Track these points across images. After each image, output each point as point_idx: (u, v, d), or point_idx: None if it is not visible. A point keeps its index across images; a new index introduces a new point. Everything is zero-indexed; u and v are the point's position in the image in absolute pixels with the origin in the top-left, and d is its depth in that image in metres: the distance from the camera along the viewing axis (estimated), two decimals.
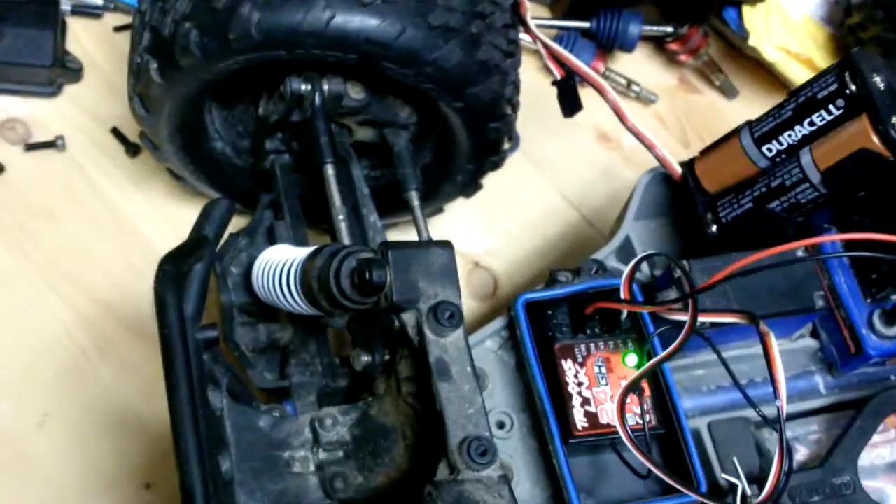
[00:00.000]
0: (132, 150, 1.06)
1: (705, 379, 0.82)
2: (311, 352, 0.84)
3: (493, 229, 1.11)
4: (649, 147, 0.82)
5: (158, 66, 0.81)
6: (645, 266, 0.85)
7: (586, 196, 1.13)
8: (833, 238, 0.69)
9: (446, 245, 0.69)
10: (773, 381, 0.65)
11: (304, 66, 0.84)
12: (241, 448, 0.70)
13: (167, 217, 1.05)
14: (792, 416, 0.81)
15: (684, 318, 0.71)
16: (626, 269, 0.72)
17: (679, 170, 0.84)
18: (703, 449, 0.76)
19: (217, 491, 0.64)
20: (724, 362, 0.69)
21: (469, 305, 1.05)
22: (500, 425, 0.77)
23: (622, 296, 0.73)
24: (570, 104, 0.91)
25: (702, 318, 0.73)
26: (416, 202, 0.89)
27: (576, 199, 1.13)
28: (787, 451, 0.64)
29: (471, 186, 0.98)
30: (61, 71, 1.07)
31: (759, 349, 0.74)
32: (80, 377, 0.96)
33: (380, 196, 0.91)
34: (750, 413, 0.79)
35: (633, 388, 0.74)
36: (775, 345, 0.66)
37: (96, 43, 1.11)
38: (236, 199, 0.84)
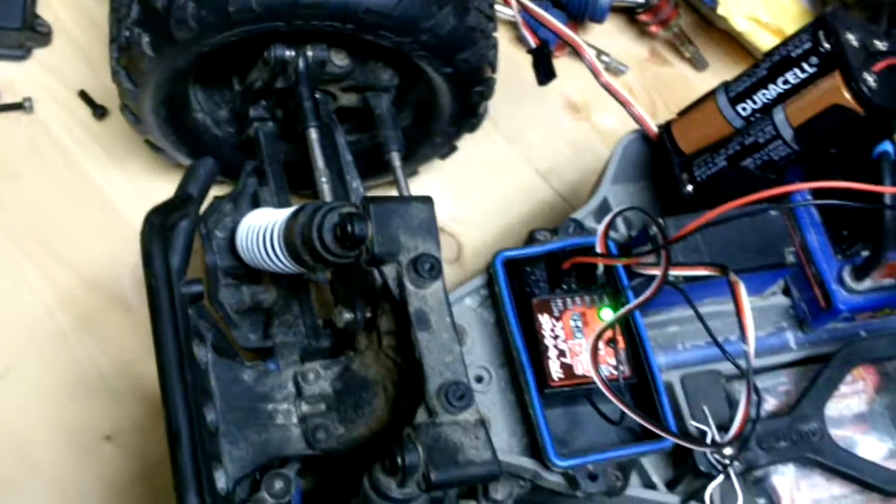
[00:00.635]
0: (99, 112, 1.08)
1: (679, 336, 0.84)
2: (294, 313, 0.85)
3: (459, 196, 1.12)
4: (624, 104, 0.84)
5: (151, 39, 0.82)
6: (622, 227, 0.87)
7: (554, 165, 1.15)
8: (802, 186, 0.71)
9: (426, 200, 0.71)
10: (741, 327, 0.67)
11: (292, 35, 0.86)
12: (225, 400, 0.72)
13: (132, 177, 1.07)
14: (763, 370, 0.83)
15: (657, 271, 0.73)
16: (602, 223, 0.74)
17: (655, 128, 0.86)
18: (675, 400, 0.78)
19: (202, 439, 0.65)
20: (695, 310, 0.71)
21: None
22: (479, 379, 0.79)
23: (598, 250, 0.74)
24: (544, 72, 0.93)
25: (675, 272, 0.75)
26: (397, 162, 0.91)
27: (543, 168, 1.15)
28: (755, 392, 0.66)
29: (447, 148, 0.99)
30: (30, 34, 1.08)
31: (732, 307, 0.77)
32: (43, 333, 0.98)
33: (360, 160, 0.93)
34: (722, 367, 0.81)
35: (609, 341, 0.76)
36: (744, 292, 0.68)
37: (66, 7, 1.12)
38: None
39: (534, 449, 0.76)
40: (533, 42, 0.91)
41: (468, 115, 0.93)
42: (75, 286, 1.00)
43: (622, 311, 0.71)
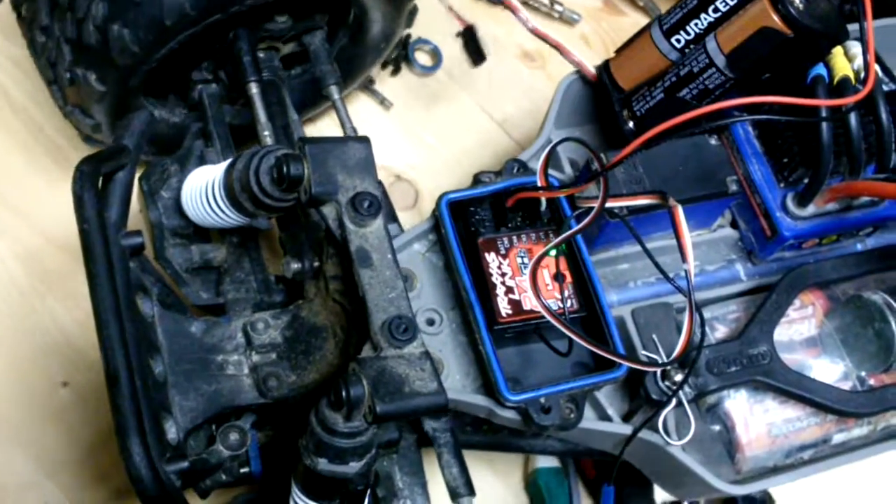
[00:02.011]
0: None
1: (630, 272, 0.85)
2: (245, 269, 0.85)
3: (416, 143, 1.13)
4: (556, 48, 0.84)
5: (97, 75, 0.82)
6: (568, 168, 0.87)
7: (510, 114, 1.15)
8: (734, 102, 0.71)
9: (363, 139, 0.71)
10: (680, 249, 0.67)
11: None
12: (173, 352, 0.72)
13: None
14: (714, 301, 0.84)
15: (597, 202, 0.73)
16: (542, 157, 0.74)
17: (593, 70, 0.86)
18: (627, 334, 0.78)
19: (147, 387, 0.65)
20: (637, 238, 0.71)
21: None
22: (430, 322, 0.79)
23: (539, 184, 0.75)
24: (476, 54, 0.94)
25: (616, 203, 0.75)
26: (336, 95, 0.92)
27: (500, 117, 1.15)
28: (697, 312, 0.66)
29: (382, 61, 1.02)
30: None
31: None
32: (15, 297, 0.98)
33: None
34: (671, 299, 0.81)
35: (555, 276, 0.76)
36: (682, 216, 0.68)
37: None
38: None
39: (487, 388, 0.76)
40: (460, 25, 0.92)
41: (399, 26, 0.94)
42: (29, 237, 1.00)
43: (559, 238, 0.71)
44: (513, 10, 0.84)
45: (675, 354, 0.69)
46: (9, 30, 1.08)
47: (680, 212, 0.69)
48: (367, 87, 1.14)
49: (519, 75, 1.18)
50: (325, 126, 1.09)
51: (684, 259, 0.68)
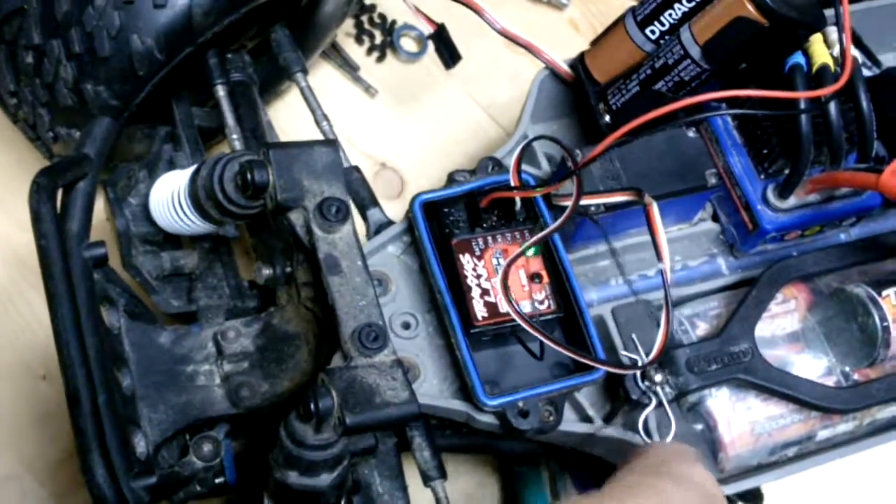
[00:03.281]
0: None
1: (610, 270, 0.83)
2: (217, 275, 0.84)
3: (401, 132, 1.11)
4: (528, 48, 0.83)
5: (81, 130, 0.80)
6: (545, 164, 0.86)
7: (496, 101, 1.14)
8: (711, 96, 0.69)
9: (330, 143, 0.70)
10: (655, 247, 0.66)
11: None
12: (141, 364, 0.70)
13: None
14: (697, 297, 0.82)
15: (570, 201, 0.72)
16: (514, 155, 0.72)
17: (567, 69, 0.84)
18: (607, 333, 0.77)
19: (114, 403, 0.64)
20: (607, 240, 0.70)
21: None
22: (406, 326, 0.77)
23: (512, 183, 0.73)
24: (449, 55, 0.92)
25: (591, 200, 0.74)
26: (303, 83, 0.90)
27: (484, 101, 1.14)
28: (670, 307, 0.65)
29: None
30: None
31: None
32: None
33: None
34: (653, 296, 0.80)
35: (533, 276, 0.75)
36: (657, 213, 0.67)
37: None
38: None
39: (465, 392, 0.75)
40: (430, 28, 0.90)
41: None
42: (9, 231, 0.98)
43: (533, 238, 0.69)
44: (478, 13, 0.82)
45: (652, 356, 0.67)
46: None
47: (655, 209, 0.67)
48: (352, 74, 1.12)
49: (504, 61, 1.15)
50: (296, 101, 1.07)
51: (660, 258, 0.66)
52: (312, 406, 0.60)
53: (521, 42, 0.83)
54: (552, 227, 0.68)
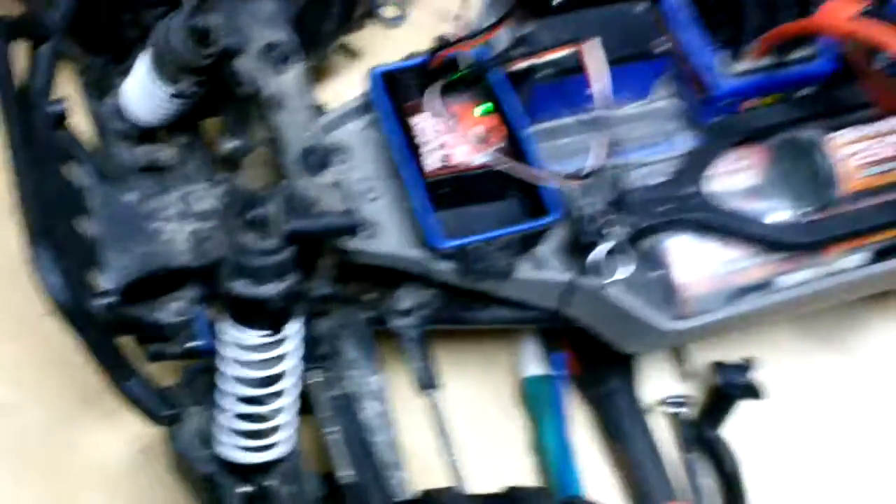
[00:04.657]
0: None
1: (570, 147, 0.85)
2: (192, 167, 0.87)
3: None
4: None
5: None
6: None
7: None
8: None
9: None
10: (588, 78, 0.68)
11: None
12: (106, 217, 0.73)
13: None
14: None
15: (524, 63, 0.75)
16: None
17: None
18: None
19: (76, 241, 0.67)
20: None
21: None
22: (368, 190, 0.80)
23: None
24: None
25: (536, 60, 0.77)
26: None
27: None
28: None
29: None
30: None
31: (623, 111, 0.82)
32: None
33: None
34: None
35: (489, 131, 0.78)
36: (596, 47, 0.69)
37: None
38: None
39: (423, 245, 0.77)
40: None
41: None
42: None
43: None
44: None
45: (588, 168, 0.69)
46: None
47: (593, 44, 0.69)
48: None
49: None
50: None
51: (591, 84, 0.68)
52: (254, 212, 0.62)
53: None
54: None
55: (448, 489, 0.61)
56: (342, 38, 1.06)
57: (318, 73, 1.08)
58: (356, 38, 1.08)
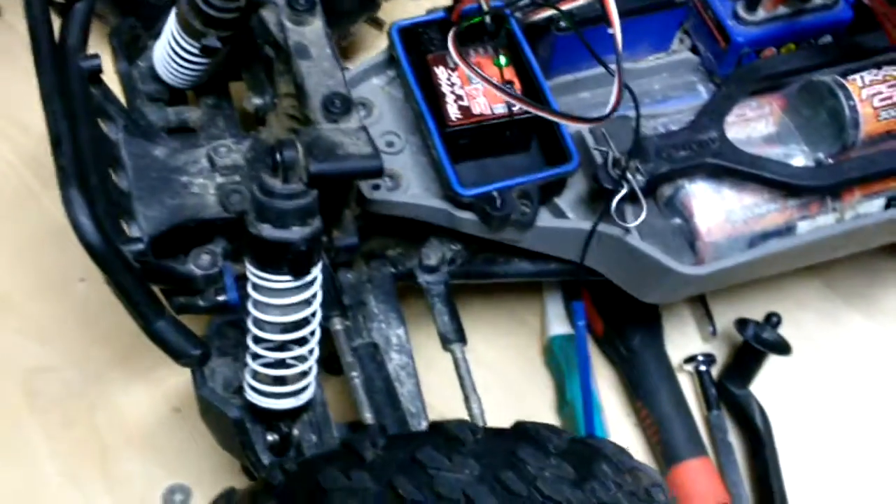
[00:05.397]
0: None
1: (590, 101, 0.86)
2: (219, 128, 0.89)
3: None
4: None
5: None
6: None
7: None
8: None
9: None
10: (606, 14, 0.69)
11: None
12: (137, 170, 0.75)
13: None
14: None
15: (544, 13, 0.76)
16: None
17: None
18: (585, 147, 0.79)
19: (108, 190, 0.69)
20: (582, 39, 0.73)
21: None
22: (390, 144, 0.82)
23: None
24: None
25: (560, 8, 0.78)
26: None
27: None
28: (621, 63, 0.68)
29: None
30: None
31: (643, 65, 0.84)
32: (10, 189, 1.03)
33: None
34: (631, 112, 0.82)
35: (506, 83, 0.79)
36: None
37: None
38: None
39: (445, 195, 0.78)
40: None
41: None
42: (37, 147, 1.03)
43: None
44: None
45: (608, 109, 0.70)
46: None
47: None
48: None
49: None
50: None
51: (610, 24, 0.69)
52: (279, 156, 0.64)
53: None
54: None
55: (456, 420, 0.62)
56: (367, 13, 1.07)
57: (346, 51, 1.11)
58: (383, 10, 1.10)
